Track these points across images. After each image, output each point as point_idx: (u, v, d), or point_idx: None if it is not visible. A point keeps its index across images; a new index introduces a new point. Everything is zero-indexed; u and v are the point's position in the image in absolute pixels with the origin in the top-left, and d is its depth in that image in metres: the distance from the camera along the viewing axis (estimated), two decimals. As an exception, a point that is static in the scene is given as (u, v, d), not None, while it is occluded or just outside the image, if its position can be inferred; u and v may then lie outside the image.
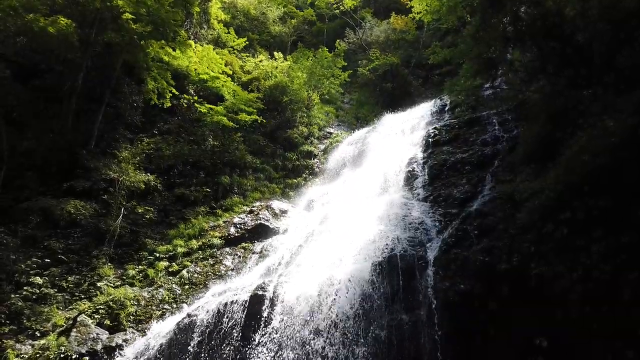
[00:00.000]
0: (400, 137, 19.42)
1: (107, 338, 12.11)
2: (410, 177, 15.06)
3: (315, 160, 23.30)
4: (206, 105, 21.64)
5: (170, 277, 14.83)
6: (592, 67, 10.43)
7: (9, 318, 12.10)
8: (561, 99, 10.50)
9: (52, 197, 15.69)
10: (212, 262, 15.31)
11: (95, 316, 12.76)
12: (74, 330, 12.00)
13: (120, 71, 19.91)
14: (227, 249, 15.89)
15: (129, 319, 13.02)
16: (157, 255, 15.69)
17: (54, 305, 12.92)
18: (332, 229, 13.70)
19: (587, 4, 10.37)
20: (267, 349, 9.87)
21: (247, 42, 30.16)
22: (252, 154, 22.60)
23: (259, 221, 16.85)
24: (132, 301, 13.44)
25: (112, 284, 14.19)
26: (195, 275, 14.81)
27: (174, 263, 15.42)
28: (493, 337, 8.81)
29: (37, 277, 13.39)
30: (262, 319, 10.42)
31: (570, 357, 8.02)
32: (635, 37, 9.21)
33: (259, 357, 9.79)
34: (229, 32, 29.23)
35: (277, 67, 27.33)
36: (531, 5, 11.87)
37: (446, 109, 20.30)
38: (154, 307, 13.59)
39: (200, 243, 16.19)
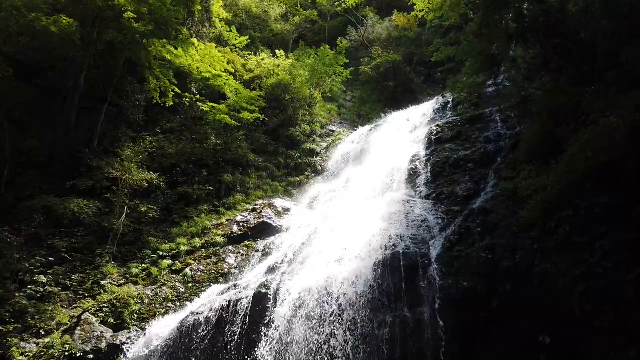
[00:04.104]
0: (403, 134, 19.41)
1: (111, 336, 12.15)
2: (412, 175, 15.05)
3: (318, 158, 23.29)
4: (208, 103, 21.68)
5: (174, 276, 14.87)
6: (595, 64, 10.40)
7: (14, 316, 12.16)
8: (564, 96, 10.47)
9: (56, 195, 15.73)
10: (215, 261, 15.34)
11: (99, 314, 12.82)
12: (78, 328, 12.05)
13: (122, 70, 19.94)
14: (230, 247, 15.91)
15: (132, 317, 13.06)
16: (161, 253, 15.72)
17: (58, 304, 12.98)
18: (334, 227, 13.69)
19: (590, 0, 10.36)
20: (270, 347, 9.90)
21: (249, 41, 30.12)
22: (255, 152, 22.62)
23: (261, 219, 16.87)
24: (135, 299, 13.48)
25: (115, 283, 14.25)
26: (199, 273, 14.85)
27: (177, 261, 15.45)
28: (496, 334, 8.83)
29: (41, 276, 13.45)
30: (266, 316, 10.45)
31: (573, 354, 8.03)
32: (639, 33, 9.17)
33: (263, 355, 9.81)
34: (230, 31, 29.18)
35: (279, 65, 27.29)
36: (534, 2, 11.84)
37: (448, 106, 20.26)
38: (157, 306, 13.63)
39: (203, 241, 16.22)
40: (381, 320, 9.55)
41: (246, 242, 16.04)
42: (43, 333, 12.02)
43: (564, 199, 8.85)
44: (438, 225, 11.81)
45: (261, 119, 23.12)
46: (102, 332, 12.19)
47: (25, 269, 13.40)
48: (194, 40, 21.99)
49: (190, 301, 13.60)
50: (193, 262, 15.36)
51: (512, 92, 15.21)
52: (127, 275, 14.72)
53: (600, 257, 7.88)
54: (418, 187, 14.41)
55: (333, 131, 26.20)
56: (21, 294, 12.75)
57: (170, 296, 14.00)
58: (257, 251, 15.36)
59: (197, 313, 11.46)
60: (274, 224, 16.75)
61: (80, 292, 13.70)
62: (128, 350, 11.71)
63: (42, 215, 14.95)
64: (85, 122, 18.28)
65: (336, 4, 36.50)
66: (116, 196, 16.50)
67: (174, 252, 15.86)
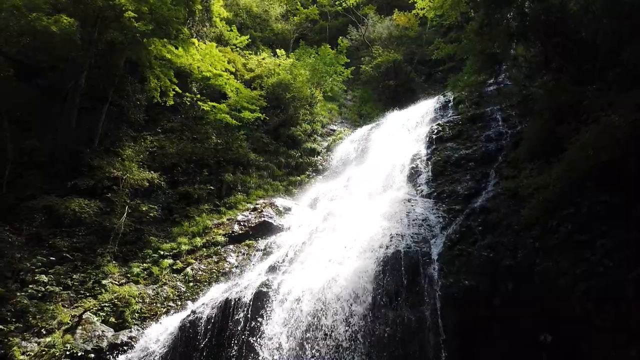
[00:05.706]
0: (404, 133, 19.41)
1: (113, 335, 12.15)
2: (413, 174, 15.05)
3: (319, 157, 23.29)
4: (209, 103, 21.69)
5: (175, 275, 14.86)
6: (596, 62, 10.40)
7: (15, 316, 12.14)
8: (565, 95, 10.47)
9: (57, 195, 15.70)
10: (216, 260, 15.34)
11: (101, 314, 12.82)
12: (80, 327, 12.05)
13: (123, 70, 19.93)
14: (231, 247, 15.91)
15: (134, 316, 13.05)
16: (162, 253, 15.71)
17: (59, 303, 12.97)
18: (335, 226, 13.68)
19: (591, -1, 10.36)
20: (271, 345, 9.90)
21: (249, 40, 30.14)
22: (255, 152, 22.62)
23: (262, 219, 16.86)
24: (136, 299, 13.48)
25: (116, 282, 14.24)
26: (200, 272, 14.85)
27: (178, 261, 15.45)
28: (497, 332, 8.83)
29: (43, 275, 13.43)
30: (267, 315, 10.45)
31: (574, 353, 8.03)
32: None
33: (264, 354, 9.81)
34: (231, 30, 29.22)
35: (279, 65, 27.31)
36: (535, 1, 11.84)
37: (449, 105, 20.28)
38: (158, 305, 13.63)
39: (204, 241, 16.22)
40: (382, 319, 9.55)
41: (247, 241, 16.04)
42: (44, 332, 12.02)
43: (565, 198, 8.85)
44: (439, 224, 11.81)
45: (262, 119, 23.14)
46: (103, 331, 12.19)
47: (26, 269, 13.40)
48: (195, 40, 22.01)
49: (192, 300, 13.62)
50: (194, 261, 15.37)
51: (513, 90, 15.24)
52: (128, 275, 14.71)
53: (601, 256, 7.89)
54: (419, 186, 14.41)
55: (334, 130, 26.21)
56: (22, 293, 12.73)
57: (172, 295, 14.01)
58: (258, 250, 15.36)
59: (199, 312, 11.47)
60: (274, 223, 16.74)
61: (82, 292, 13.69)
62: (129, 350, 11.72)
63: (43, 214, 14.94)
64: (86, 122, 18.27)
65: (337, 3, 36.55)
66: (117, 196, 16.50)
67: (175, 251, 15.85)
